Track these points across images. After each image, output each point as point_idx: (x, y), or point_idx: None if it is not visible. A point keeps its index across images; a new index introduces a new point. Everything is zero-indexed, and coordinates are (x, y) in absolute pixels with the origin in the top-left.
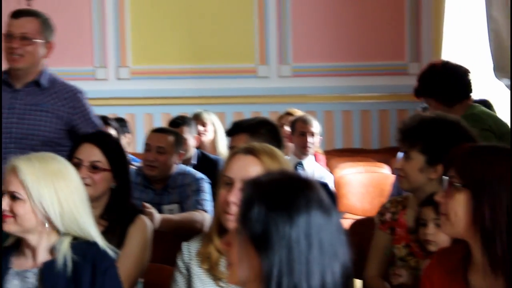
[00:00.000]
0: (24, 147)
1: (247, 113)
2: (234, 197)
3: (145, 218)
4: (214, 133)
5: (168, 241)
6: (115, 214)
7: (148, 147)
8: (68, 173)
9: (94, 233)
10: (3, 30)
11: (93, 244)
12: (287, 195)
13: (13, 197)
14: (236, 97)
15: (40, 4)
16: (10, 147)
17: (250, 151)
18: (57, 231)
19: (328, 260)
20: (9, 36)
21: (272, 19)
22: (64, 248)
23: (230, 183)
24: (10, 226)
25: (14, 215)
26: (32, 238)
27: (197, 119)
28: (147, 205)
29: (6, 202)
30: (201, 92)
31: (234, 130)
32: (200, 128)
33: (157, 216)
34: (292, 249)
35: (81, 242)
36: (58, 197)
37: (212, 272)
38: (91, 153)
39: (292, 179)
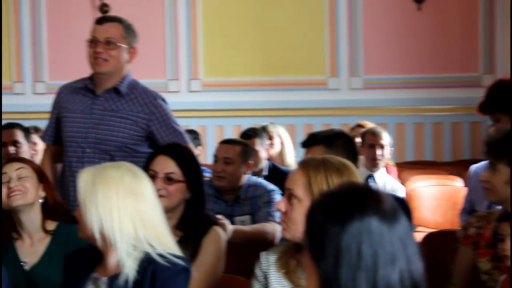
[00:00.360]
0: (100, 152)
1: (318, 125)
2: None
3: (219, 230)
4: (281, 145)
5: (240, 253)
6: (190, 224)
7: (216, 158)
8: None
9: (171, 244)
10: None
11: (153, 261)
12: (342, 202)
13: None
14: (307, 110)
15: None
16: (87, 151)
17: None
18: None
19: (383, 270)
20: (94, 42)
21: (343, 31)
22: (129, 263)
23: (290, 195)
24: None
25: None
26: (109, 251)
27: (264, 132)
28: (220, 216)
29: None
30: (271, 104)
31: (310, 142)
32: (267, 141)
33: (229, 227)
34: (341, 257)
35: (145, 258)
36: (130, 213)
37: (290, 277)
38: (166, 165)
39: (352, 189)
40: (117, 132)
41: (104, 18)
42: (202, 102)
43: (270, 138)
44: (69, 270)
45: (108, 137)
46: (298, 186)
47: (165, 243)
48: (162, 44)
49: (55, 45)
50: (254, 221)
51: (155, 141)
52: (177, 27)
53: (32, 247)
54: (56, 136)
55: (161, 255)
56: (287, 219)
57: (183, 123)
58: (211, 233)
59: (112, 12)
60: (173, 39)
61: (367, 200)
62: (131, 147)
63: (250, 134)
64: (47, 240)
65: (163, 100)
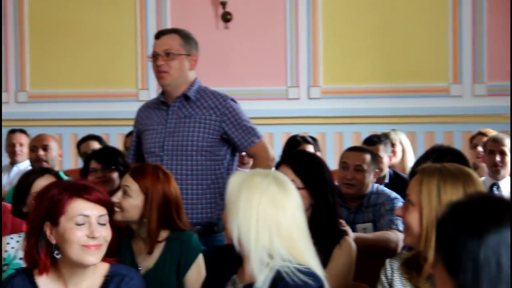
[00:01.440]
0: (177, 159)
1: (439, 133)
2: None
3: (350, 240)
4: (403, 153)
5: (363, 260)
6: (319, 232)
7: (345, 165)
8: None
9: (310, 260)
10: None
11: (283, 278)
12: (476, 214)
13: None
14: (428, 117)
15: (237, 28)
16: (165, 159)
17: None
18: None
19: None
20: (154, 56)
21: (467, 37)
22: (262, 276)
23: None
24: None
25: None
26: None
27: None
28: (343, 222)
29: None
30: (392, 111)
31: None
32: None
33: (352, 235)
34: (480, 271)
35: (277, 274)
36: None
37: (414, 281)
38: (285, 174)
39: (484, 199)
40: (191, 137)
41: (161, 31)
42: (321, 109)
43: (392, 145)
44: (211, 269)
45: (184, 142)
46: (413, 192)
47: (302, 258)
48: (283, 51)
49: None
50: (376, 228)
51: (231, 141)
52: (298, 34)
53: (147, 253)
54: (137, 154)
55: (295, 271)
56: (404, 224)
57: (303, 130)
58: (342, 244)
59: (234, 21)
60: (293, 46)
61: (502, 211)
62: (208, 149)
63: (375, 141)
64: (161, 246)
65: (233, 100)
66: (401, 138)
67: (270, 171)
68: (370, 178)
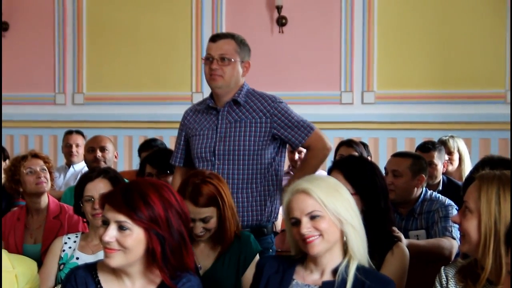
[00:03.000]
0: (229, 163)
1: (494, 140)
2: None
3: (403, 246)
4: (460, 160)
5: (415, 267)
6: (371, 237)
7: (385, 171)
8: (342, 188)
9: (360, 256)
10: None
11: (374, 274)
12: None
13: (314, 217)
14: (483, 123)
15: (292, 32)
16: (216, 163)
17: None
18: (345, 252)
19: None
20: (209, 59)
21: None
22: (348, 272)
23: (465, 207)
24: (317, 246)
25: (320, 233)
26: (323, 257)
27: (444, 146)
28: (395, 229)
29: (308, 224)
30: (446, 118)
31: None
32: (446, 155)
33: (404, 241)
34: None
35: (364, 269)
36: (349, 201)
37: None
38: (337, 179)
39: None
40: (243, 141)
41: (218, 35)
42: (375, 114)
43: (450, 153)
44: (267, 275)
45: (235, 147)
46: (471, 199)
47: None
48: (337, 56)
49: None
50: (429, 235)
51: (284, 140)
52: (352, 39)
53: (206, 252)
54: (184, 158)
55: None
56: (461, 231)
57: (356, 135)
58: (395, 250)
59: (289, 26)
60: (348, 50)
61: None
62: (258, 153)
63: (429, 147)
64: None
65: (282, 102)
66: (459, 146)
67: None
68: (412, 184)
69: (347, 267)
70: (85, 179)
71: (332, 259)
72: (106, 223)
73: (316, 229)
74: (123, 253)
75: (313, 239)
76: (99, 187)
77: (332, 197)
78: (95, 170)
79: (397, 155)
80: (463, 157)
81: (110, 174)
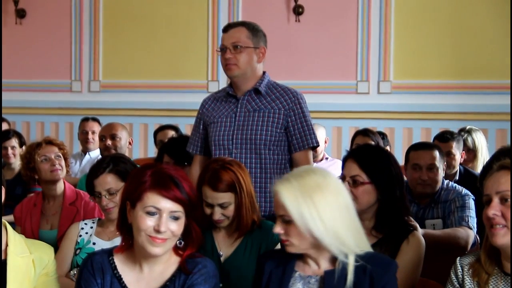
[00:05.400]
0: (246, 152)
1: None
2: (490, 212)
3: (419, 235)
4: (477, 151)
5: (430, 256)
6: (388, 226)
7: (417, 166)
8: (327, 185)
9: (351, 248)
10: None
11: (375, 257)
12: None
13: (286, 221)
14: (499, 114)
15: (309, 21)
16: (234, 152)
17: (503, 167)
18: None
19: None
20: (223, 50)
21: None
22: (347, 260)
23: (488, 199)
24: (290, 248)
25: (288, 238)
26: (312, 252)
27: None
28: (410, 218)
29: (279, 226)
30: (462, 108)
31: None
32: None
33: (420, 231)
34: None
35: (364, 255)
36: (318, 213)
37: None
38: (351, 169)
39: None
40: (260, 131)
41: (229, 25)
42: (391, 104)
43: (468, 149)
44: (268, 270)
45: (253, 136)
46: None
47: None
48: (354, 45)
49: None
50: (445, 225)
51: (288, 137)
52: (369, 28)
53: (228, 240)
54: (204, 146)
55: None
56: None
57: (372, 125)
58: (411, 239)
59: (306, 15)
60: (365, 40)
61: None
62: (275, 143)
63: (447, 137)
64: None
65: (302, 97)
66: (475, 142)
67: (291, 174)
68: (442, 174)
69: (343, 254)
70: (91, 176)
71: (324, 252)
72: (153, 214)
73: (287, 234)
74: (170, 241)
75: (287, 243)
76: (104, 183)
77: (299, 202)
78: (101, 166)
79: (425, 147)
80: (478, 152)
81: (117, 167)
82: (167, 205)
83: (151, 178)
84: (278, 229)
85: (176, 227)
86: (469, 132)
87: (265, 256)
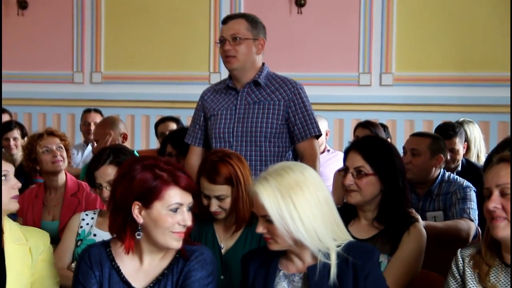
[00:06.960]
0: (246, 144)
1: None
2: (491, 205)
3: (421, 227)
4: (473, 145)
5: (431, 248)
6: (389, 218)
7: (404, 150)
8: (305, 182)
9: (331, 245)
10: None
11: (355, 246)
12: None
13: (267, 220)
14: (501, 106)
15: (311, 13)
16: (234, 144)
17: (503, 159)
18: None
19: None
20: (222, 41)
21: None
22: (329, 260)
23: (489, 192)
24: (273, 246)
25: (272, 236)
26: (294, 249)
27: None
28: (412, 210)
29: (262, 225)
30: (464, 100)
31: None
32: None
33: (421, 223)
34: None
35: (345, 246)
36: (299, 214)
37: (481, 279)
38: (355, 160)
39: None
40: (261, 123)
41: (229, 16)
42: (393, 96)
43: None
44: (253, 270)
45: (253, 128)
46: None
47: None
48: (356, 37)
49: None
50: (446, 217)
51: (290, 128)
52: (371, 20)
53: (228, 232)
54: (203, 138)
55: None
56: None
57: (374, 117)
58: (412, 231)
59: (309, 7)
60: (367, 32)
61: None
62: (276, 135)
63: (451, 134)
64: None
65: (301, 87)
66: (468, 134)
67: (269, 172)
68: (429, 164)
69: (325, 248)
70: (91, 168)
71: (307, 247)
72: (175, 210)
73: (270, 233)
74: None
75: (270, 241)
76: (105, 175)
77: (279, 204)
78: (101, 157)
79: (417, 135)
80: (471, 144)
81: (117, 158)
82: (188, 198)
83: (165, 174)
84: (260, 228)
85: (191, 217)
86: (461, 124)
87: (248, 256)
